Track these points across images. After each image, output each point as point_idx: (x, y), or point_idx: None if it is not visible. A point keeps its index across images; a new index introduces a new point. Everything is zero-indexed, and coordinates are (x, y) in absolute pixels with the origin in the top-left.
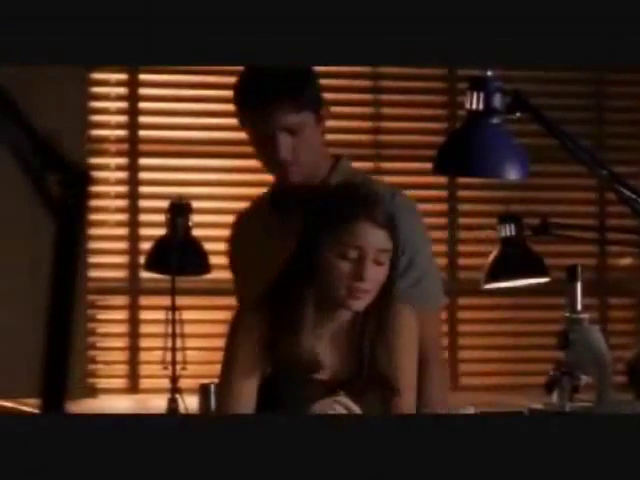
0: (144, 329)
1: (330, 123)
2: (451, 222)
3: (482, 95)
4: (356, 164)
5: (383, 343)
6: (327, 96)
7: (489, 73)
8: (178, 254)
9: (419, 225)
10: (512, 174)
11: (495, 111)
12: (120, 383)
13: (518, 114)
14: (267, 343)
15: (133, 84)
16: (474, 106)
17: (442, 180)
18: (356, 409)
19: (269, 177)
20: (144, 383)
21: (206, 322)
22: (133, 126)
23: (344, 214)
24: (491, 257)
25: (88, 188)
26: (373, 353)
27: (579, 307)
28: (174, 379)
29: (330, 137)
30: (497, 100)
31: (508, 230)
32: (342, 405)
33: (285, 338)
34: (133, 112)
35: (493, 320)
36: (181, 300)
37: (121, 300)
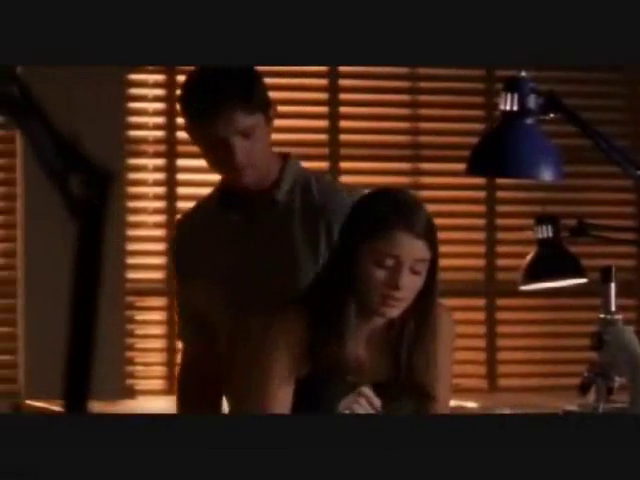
0: None
1: (369, 124)
2: (489, 223)
3: (516, 96)
4: (395, 165)
5: (421, 349)
6: (366, 97)
7: (523, 74)
8: None
9: None
10: (546, 175)
11: (530, 112)
12: (158, 384)
13: (552, 115)
14: (305, 345)
15: (171, 85)
16: (508, 107)
17: (480, 181)
18: (377, 402)
19: None
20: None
21: None
22: (171, 127)
23: (382, 222)
24: (528, 258)
25: (111, 188)
26: (410, 359)
27: (613, 308)
28: None
29: (368, 138)
30: (531, 101)
31: (545, 231)
32: (364, 396)
33: (327, 340)
34: (171, 113)
35: (532, 321)
36: None
37: (159, 301)
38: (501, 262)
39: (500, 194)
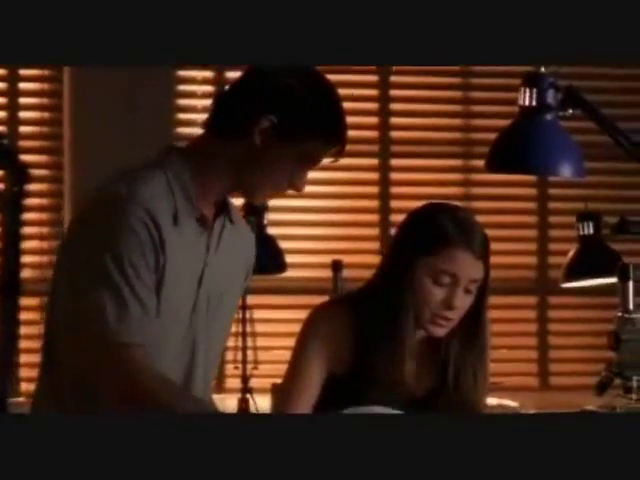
0: None
1: (420, 121)
2: (541, 221)
3: (535, 91)
4: (446, 162)
5: (469, 367)
6: (417, 94)
7: (542, 69)
8: None
9: None
10: (566, 171)
11: (548, 107)
12: None
13: (571, 110)
14: (347, 346)
15: (219, 82)
16: (527, 102)
17: (532, 178)
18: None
19: (347, 175)
20: (215, 383)
21: (278, 321)
22: None
23: (443, 239)
24: (569, 256)
25: (27, 183)
26: (458, 377)
27: (631, 307)
28: (245, 379)
29: (419, 135)
30: (550, 96)
31: (587, 228)
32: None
33: (379, 349)
34: None
35: (584, 319)
36: (252, 299)
37: None
38: (552, 260)
39: (552, 191)
